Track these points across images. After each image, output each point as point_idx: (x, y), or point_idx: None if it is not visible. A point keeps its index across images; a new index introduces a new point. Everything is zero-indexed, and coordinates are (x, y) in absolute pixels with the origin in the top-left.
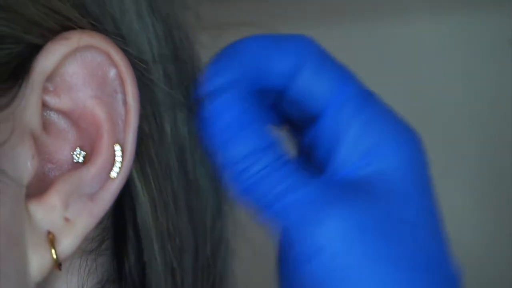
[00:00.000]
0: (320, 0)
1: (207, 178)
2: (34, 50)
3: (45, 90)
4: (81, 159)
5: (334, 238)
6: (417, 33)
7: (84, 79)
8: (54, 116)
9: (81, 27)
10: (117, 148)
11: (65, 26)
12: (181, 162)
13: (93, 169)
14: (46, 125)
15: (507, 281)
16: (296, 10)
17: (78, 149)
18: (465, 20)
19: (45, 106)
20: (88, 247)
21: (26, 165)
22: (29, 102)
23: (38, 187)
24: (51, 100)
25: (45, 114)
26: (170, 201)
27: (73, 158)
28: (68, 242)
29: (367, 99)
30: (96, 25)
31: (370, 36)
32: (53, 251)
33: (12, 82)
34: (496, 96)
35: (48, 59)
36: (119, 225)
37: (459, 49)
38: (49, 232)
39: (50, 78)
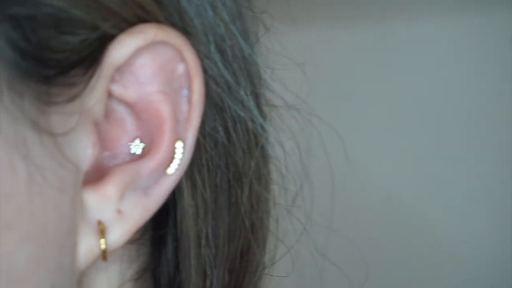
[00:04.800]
0: (324, 1)
1: (251, 198)
2: (106, 40)
3: (112, 79)
4: (139, 151)
5: None
6: (416, 33)
7: (152, 73)
8: (116, 105)
9: (157, 21)
10: (179, 145)
11: (140, 18)
12: (227, 175)
13: (151, 163)
14: (107, 113)
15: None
16: (298, 10)
17: (137, 141)
18: (465, 20)
19: (109, 94)
20: (132, 237)
21: (86, 152)
22: (96, 91)
23: (94, 175)
24: (117, 90)
25: (108, 102)
26: (210, 210)
27: (130, 149)
28: (117, 234)
29: None
30: (170, 20)
31: (369, 36)
32: (102, 241)
33: (84, 72)
34: (496, 95)
35: (121, 51)
36: (161, 214)
37: (459, 49)
38: (99, 222)
39: (119, 68)
